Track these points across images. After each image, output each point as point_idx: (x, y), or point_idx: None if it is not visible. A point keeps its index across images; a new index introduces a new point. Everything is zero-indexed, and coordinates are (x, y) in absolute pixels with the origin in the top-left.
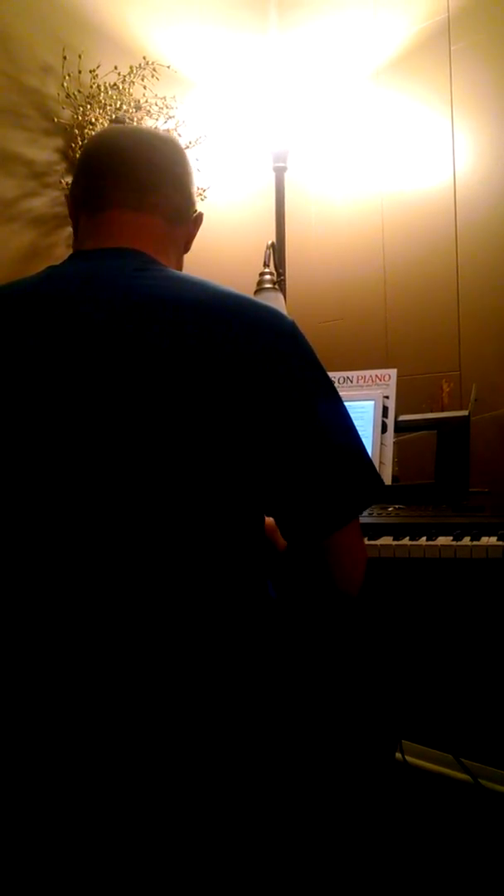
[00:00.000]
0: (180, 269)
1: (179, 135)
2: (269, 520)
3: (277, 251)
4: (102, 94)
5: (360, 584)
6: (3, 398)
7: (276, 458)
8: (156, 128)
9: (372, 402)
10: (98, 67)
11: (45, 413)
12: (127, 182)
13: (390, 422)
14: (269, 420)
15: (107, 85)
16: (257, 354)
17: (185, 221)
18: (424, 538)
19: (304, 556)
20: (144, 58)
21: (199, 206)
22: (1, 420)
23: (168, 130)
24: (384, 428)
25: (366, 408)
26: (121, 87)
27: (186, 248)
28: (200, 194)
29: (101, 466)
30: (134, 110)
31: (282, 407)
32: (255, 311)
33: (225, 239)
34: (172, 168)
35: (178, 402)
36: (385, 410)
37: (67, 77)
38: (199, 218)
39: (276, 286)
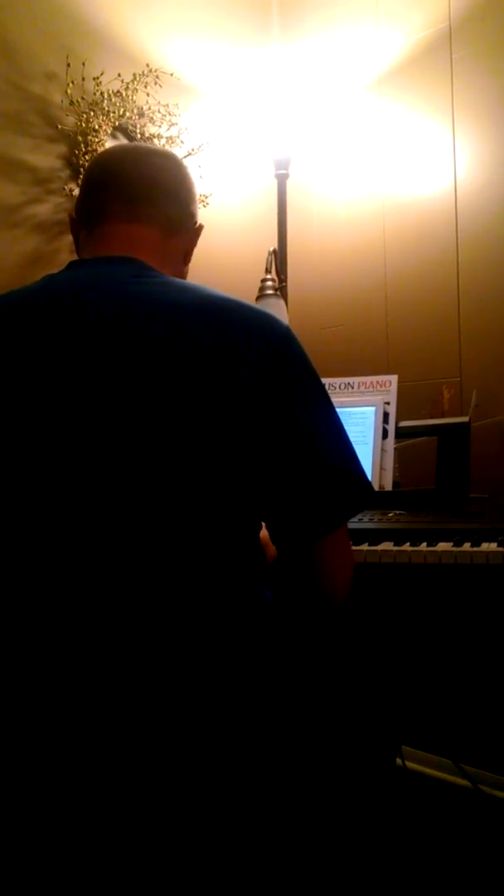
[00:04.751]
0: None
1: (182, 142)
2: (263, 533)
3: (279, 257)
4: (106, 101)
5: (344, 593)
6: (5, 405)
7: (267, 462)
8: (160, 144)
9: (373, 408)
10: (102, 74)
11: (45, 418)
12: (120, 195)
13: (391, 427)
14: (261, 425)
15: (110, 92)
16: (252, 359)
17: (181, 232)
18: (425, 544)
19: (292, 562)
20: (148, 65)
21: (202, 212)
22: (2, 426)
23: (171, 137)
24: (385, 434)
25: (367, 414)
26: (124, 95)
27: (186, 261)
28: (203, 200)
29: (99, 471)
30: (137, 117)
31: (273, 413)
32: (250, 316)
33: (227, 245)
34: (167, 180)
35: (175, 407)
36: (386, 416)
37: (71, 84)
38: (199, 230)
39: (278, 292)
